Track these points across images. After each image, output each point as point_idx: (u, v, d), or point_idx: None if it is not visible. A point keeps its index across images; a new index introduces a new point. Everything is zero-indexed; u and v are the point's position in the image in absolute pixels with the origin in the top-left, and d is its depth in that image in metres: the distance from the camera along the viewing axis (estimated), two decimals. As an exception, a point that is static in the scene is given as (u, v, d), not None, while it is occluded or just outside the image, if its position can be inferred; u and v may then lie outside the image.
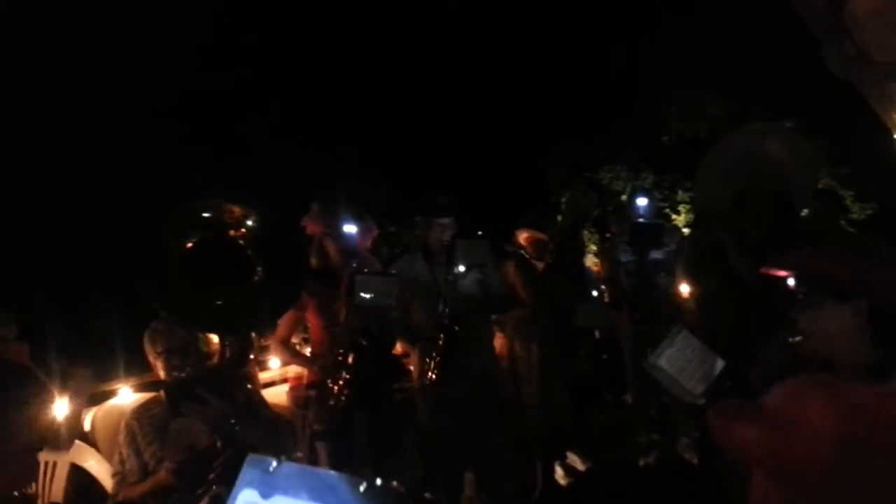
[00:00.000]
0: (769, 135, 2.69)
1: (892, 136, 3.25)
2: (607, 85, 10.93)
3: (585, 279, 4.94)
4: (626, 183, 10.99)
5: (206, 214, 1.98)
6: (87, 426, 3.06)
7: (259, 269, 1.99)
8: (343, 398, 3.22)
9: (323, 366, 3.36)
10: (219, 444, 2.05)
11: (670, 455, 4.69)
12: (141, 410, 2.39)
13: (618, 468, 4.74)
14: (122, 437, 2.35)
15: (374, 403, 3.40)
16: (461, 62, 11.28)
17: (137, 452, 2.31)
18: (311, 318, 3.56)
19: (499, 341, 4.37)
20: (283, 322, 3.48)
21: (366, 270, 3.34)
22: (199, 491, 1.99)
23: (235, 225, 1.98)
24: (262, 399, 2.48)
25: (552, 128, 11.24)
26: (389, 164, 9.84)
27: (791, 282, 1.69)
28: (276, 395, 3.74)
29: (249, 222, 1.97)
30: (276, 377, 4.03)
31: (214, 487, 1.84)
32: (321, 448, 3.36)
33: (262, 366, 4.14)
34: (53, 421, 1.62)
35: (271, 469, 0.70)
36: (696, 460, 4.32)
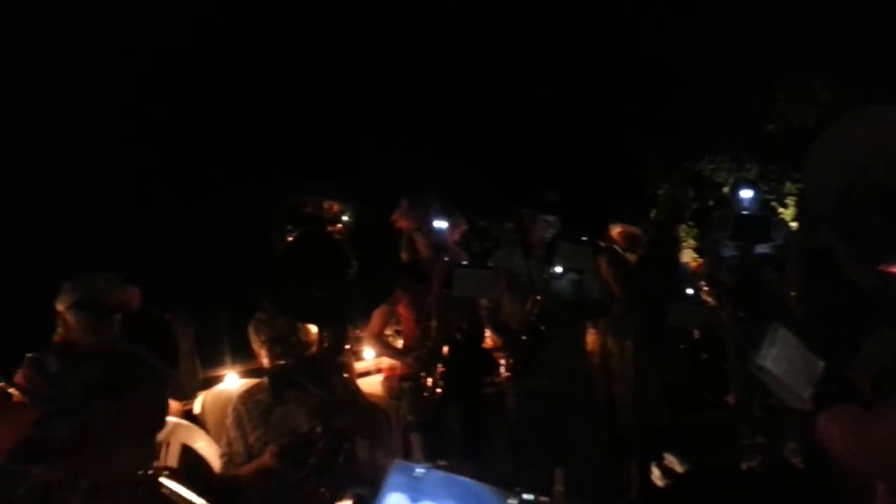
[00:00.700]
0: (886, 119, 2.46)
1: None
2: (708, 71, 10.48)
3: (680, 276, 4.76)
4: (728, 174, 10.51)
5: (306, 210, 2.07)
6: (196, 409, 3.26)
7: (354, 262, 2.06)
8: (437, 391, 3.27)
9: (417, 358, 3.42)
10: (318, 430, 2.14)
11: (776, 459, 4.47)
12: (247, 396, 2.52)
13: (719, 471, 4.56)
14: (229, 421, 2.49)
15: (467, 396, 3.44)
16: (553, 53, 11.13)
17: (243, 435, 2.44)
18: (403, 312, 3.63)
19: (591, 337, 4.31)
20: (376, 316, 3.57)
21: (464, 263, 3.38)
22: (300, 474, 2.08)
23: (333, 220, 2.06)
24: (358, 388, 2.57)
25: (650, 118, 10.90)
26: (479, 159, 9.85)
27: None
28: (371, 385, 3.84)
29: (346, 217, 2.05)
30: (371, 367, 4.14)
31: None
32: (414, 439, 3.43)
33: (358, 356, 4.26)
34: (167, 404, 1.73)
35: (418, 475, 0.73)
36: (803, 466, 4.10)
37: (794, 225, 6.14)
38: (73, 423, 1.40)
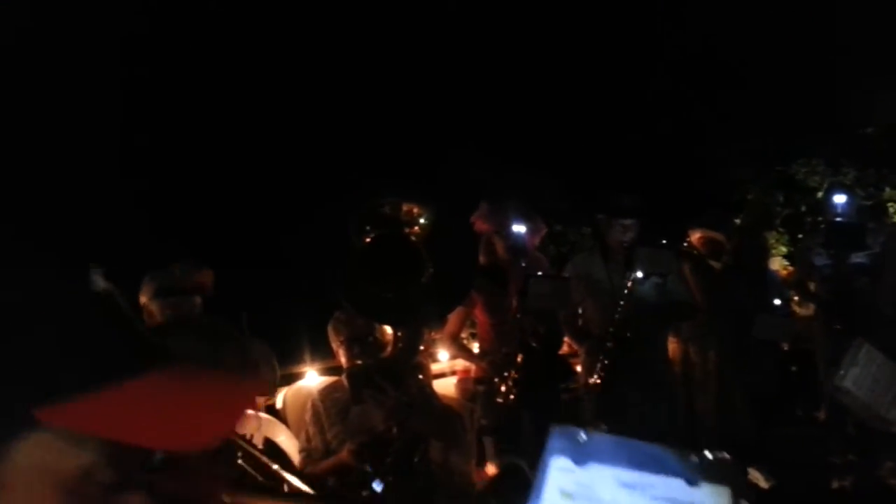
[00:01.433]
0: None
1: None
2: (804, 70, 9.98)
3: (768, 284, 4.56)
4: (823, 178, 10.00)
5: (384, 211, 2.11)
6: (279, 404, 3.37)
7: (429, 265, 2.08)
8: (511, 396, 3.27)
9: (492, 363, 3.43)
10: (394, 430, 2.17)
11: (870, 479, 4.21)
12: (325, 394, 2.59)
13: (807, 489, 4.34)
14: (308, 417, 2.57)
15: (541, 403, 3.41)
16: (637, 56, 10.89)
17: (322, 432, 2.50)
18: (479, 315, 3.64)
19: (672, 346, 4.19)
20: (453, 317, 3.59)
21: (539, 274, 3.36)
22: (374, 472, 2.12)
23: (410, 222, 2.09)
24: (433, 390, 2.59)
25: (739, 119, 10.48)
26: (558, 163, 9.74)
27: None
28: (445, 387, 3.87)
29: (423, 220, 2.07)
30: (446, 369, 4.17)
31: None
32: (488, 443, 3.43)
33: (433, 357, 4.30)
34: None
35: (581, 439, 0.71)
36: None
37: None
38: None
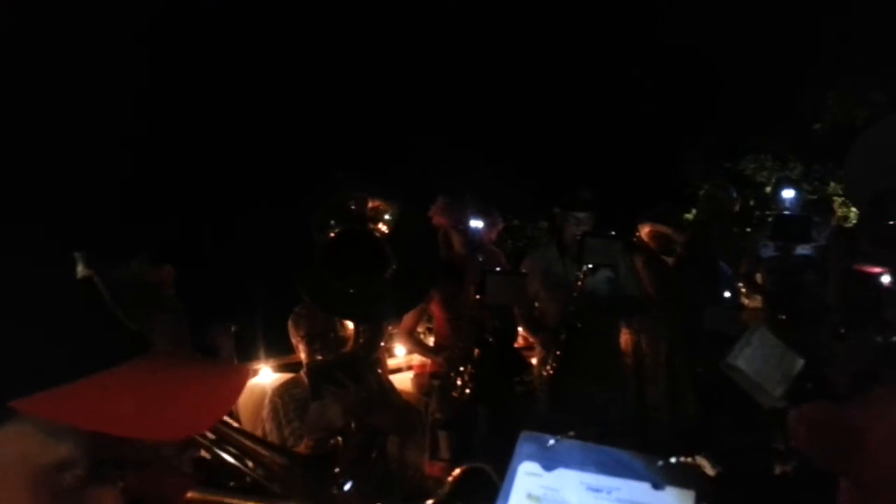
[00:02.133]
0: None
1: None
2: (754, 69, 10.24)
3: (720, 277, 4.70)
4: (771, 173, 10.30)
5: (349, 207, 2.10)
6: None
7: (394, 261, 2.08)
8: (467, 391, 3.29)
9: (448, 357, 3.45)
10: (352, 425, 2.17)
11: (812, 465, 4.39)
12: (283, 389, 2.56)
13: (751, 476, 4.50)
14: (265, 413, 2.54)
15: (497, 397, 3.44)
16: (590, 51, 11.01)
17: (279, 428, 2.48)
18: (436, 310, 3.66)
19: (624, 337, 4.28)
20: (409, 313, 3.60)
21: (497, 270, 3.39)
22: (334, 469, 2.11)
23: (375, 218, 2.08)
24: (392, 385, 2.60)
25: (692, 116, 10.72)
26: (515, 159, 9.81)
27: (886, 278, 1.55)
28: (401, 382, 3.88)
29: (388, 216, 2.06)
30: (402, 364, 4.18)
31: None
32: (442, 437, 3.45)
33: (389, 353, 4.30)
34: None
35: (549, 445, 0.72)
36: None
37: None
38: None
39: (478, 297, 3.29)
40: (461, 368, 3.35)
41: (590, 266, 3.35)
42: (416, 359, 3.96)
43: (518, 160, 9.70)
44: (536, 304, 3.64)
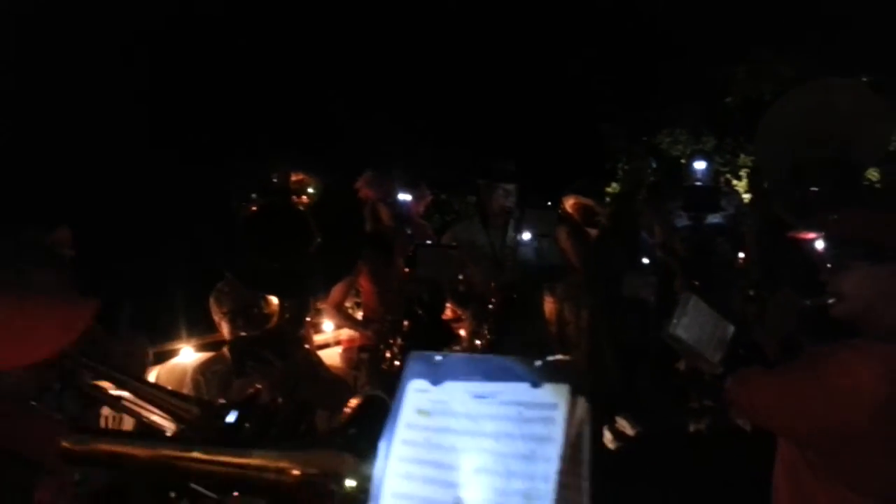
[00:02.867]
0: (836, 89, 2.51)
1: None
2: (670, 43, 10.54)
3: (640, 247, 4.88)
4: (685, 147, 10.68)
5: (272, 180, 2.05)
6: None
7: (318, 235, 2.06)
8: (396, 363, 3.31)
9: (377, 330, 3.45)
10: (279, 401, 2.15)
11: (723, 421, 4.66)
12: (206, 366, 2.51)
13: (668, 434, 4.74)
14: (187, 390, 2.48)
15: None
16: (512, 25, 11.06)
17: (203, 407, 2.43)
18: (364, 283, 3.64)
19: (548, 306, 4.40)
20: (337, 286, 3.57)
21: (428, 243, 3.40)
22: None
23: (298, 191, 2.05)
24: (320, 360, 2.58)
25: (612, 92, 10.95)
26: (442, 132, 9.81)
27: (820, 244, 1.65)
28: (330, 357, 3.86)
29: (311, 189, 2.04)
30: (330, 339, 4.15)
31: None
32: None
33: (317, 328, 4.26)
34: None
35: (436, 361, 0.73)
36: (749, 427, 4.29)
37: (747, 197, 6.33)
38: None
39: (407, 269, 3.29)
40: (390, 341, 3.36)
41: (525, 237, 3.43)
42: (345, 333, 3.94)
43: (445, 135, 9.71)
44: (460, 277, 3.68)
